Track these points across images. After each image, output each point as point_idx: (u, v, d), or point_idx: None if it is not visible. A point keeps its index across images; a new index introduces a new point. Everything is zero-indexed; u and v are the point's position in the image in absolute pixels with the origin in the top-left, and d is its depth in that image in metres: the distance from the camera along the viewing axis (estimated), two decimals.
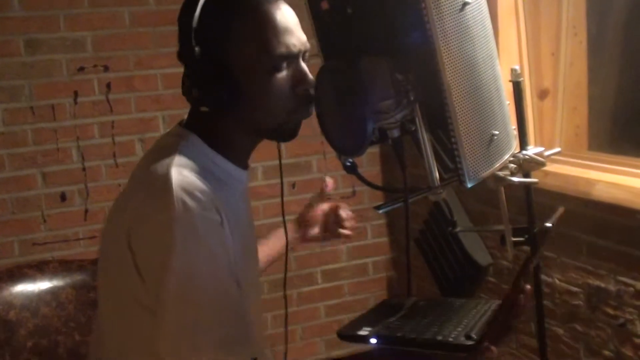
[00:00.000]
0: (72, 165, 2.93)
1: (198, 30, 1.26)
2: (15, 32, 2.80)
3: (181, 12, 1.30)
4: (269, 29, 1.27)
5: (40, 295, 1.89)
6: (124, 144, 2.97)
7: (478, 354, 1.24)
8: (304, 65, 1.32)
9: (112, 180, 2.96)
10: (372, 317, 1.45)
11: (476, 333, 1.26)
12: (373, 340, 1.33)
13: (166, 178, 1.21)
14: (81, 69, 2.89)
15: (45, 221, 2.91)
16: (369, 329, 1.36)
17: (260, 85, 1.28)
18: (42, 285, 1.90)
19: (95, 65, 2.91)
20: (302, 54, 1.32)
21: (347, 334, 1.39)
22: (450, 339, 1.27)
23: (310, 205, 1.74)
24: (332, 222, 1.73)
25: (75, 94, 2.90)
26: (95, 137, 2.95)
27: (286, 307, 1.57)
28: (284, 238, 1.63)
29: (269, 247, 1.70)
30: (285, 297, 1.58)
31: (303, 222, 1.73)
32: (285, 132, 1.34)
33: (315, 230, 1.74)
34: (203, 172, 1.26)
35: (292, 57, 1.29)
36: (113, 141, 2.97)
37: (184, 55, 1.30)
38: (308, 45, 1.33)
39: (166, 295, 1.18)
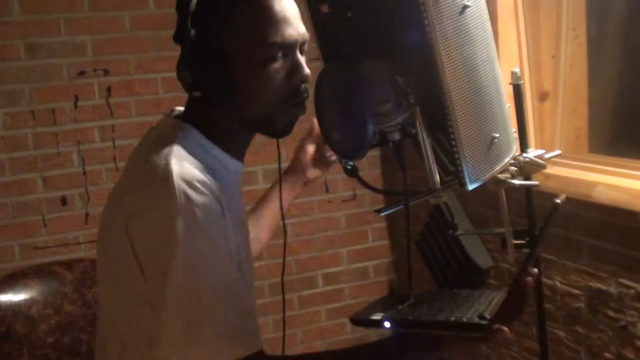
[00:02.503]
0: (73, 169, 2.93)
1: (195, 13, 1.26)
2: (16, 36, 2.80)
3: None
4: (266, 17, 1.25)
5: (67, 293, 1.90)
6: (125, 148, 2.97)
7: (491, 334, 1.24)
8: (300, 56, 1.31)
9: (112, 184, 2.91)
10: (382, 305, 1.44)
11: (489, 314, 1.27)
12: (387, 324, 1.32)
13: (166, 170, 1.20)
14: (81, 72, 2.89)
15: (45, 225, 2.91)
16: (381, 313, 1.36)
17: (254, 74, 1.27)
18: (69, 283, 1.90)
19: (95, 69, 2.91)
20: (300, 45, 1.31)
21: (360, 319, 1.39)
22: (464, 319, 1.27)
23: (301, 148, 1.70)
24: (319, 157, 1.71)
25: (76, 97, 2.90)
26: (95, 141, 2.95)
27: (284, 309, 1.58)
28: (275, 207, 1.63)
29: (266, 219, 1.69)
30: (283, 298, 1.58)
31: (300, 167, 1.70)
32: (278, 127, 1.32)
33: (313, 171, 1.72)
34: (201, 163, 1.25)
35: (288, 47, 1.28)
36: (113, 145, 2.97)
37: (179, 38, 1.29)
38: (307, 36, 1.32)
39: (170, 289, 1.17)
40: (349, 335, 3.44)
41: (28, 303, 1.85)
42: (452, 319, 1.29)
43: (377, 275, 3.49)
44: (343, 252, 3.42)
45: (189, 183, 1.19)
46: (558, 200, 1.39)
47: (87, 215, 2.96)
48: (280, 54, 1.27)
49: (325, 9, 1.36)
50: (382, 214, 1.50)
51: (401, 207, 1.40)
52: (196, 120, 1.33)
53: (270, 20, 1.25)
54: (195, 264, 1.17)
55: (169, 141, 1.27)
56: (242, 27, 1.25)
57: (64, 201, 2.93)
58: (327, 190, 3.34)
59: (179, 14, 1.28)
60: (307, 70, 1.30)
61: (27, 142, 2.86)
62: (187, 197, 1.17)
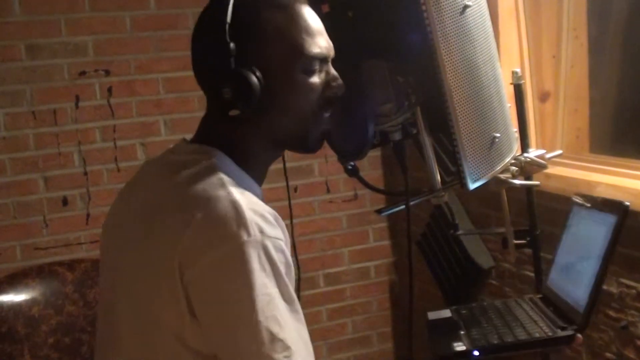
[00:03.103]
0: (74, 170, 2.93)
1: (231, 27, 1.18)
2: (17, 37, 2.80)
3: (209, 9, 1.23)
4: (303, 29, 1.21)
5: (68, 294, 1.89)
6: (126, 148, 2.97)
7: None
8: (333, 68, 1.26)
9: (113, 184, 2.96)
10: (444, 335, 1.41)
11: (563, 323, 1.27)
12: (476, 353, 1.30)
13: (232, 200, 1.11)
14: (82, 73, 2.89)
15: (47, 226, 2.91)
16: (460, 344, 1.33)
17: (293, 86, 1.21)
18: (70, 283, 1.90)
19: (96, 70, 2.91)
20: (330, 58, 1.27)
21: (447, 354, 1.34)
22: (550, 334, 1.28)
23: None
24: None
25: (77, 98, 2.90)
26: (96, 142, 2.95)
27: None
28: None
29: None
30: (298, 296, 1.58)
31: None
32: (310, 140, 1.26)
33: None
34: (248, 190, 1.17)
35: (324, 59, 1.24)
36: (115, 145, 2.97)
37: (211, 54, 1.20)
38: (333, 50, 1.27)
39: (255, 328, 1.07)
40: (351, 335, 3.44)
41: (29, 303, 1.85)
42: (538, 335, 1.29)
43: (378, 276, 3.49)
44: (344, 252, 3.41)
45: (261, 214, 1.11)
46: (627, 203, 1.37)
47: (88, 215, 2.96)
48: (317, 67, 1.23)
49: (325, 8, 1.36)
50: (383, 214, 1.51)
51: (402, 207, 1.40)
52: (220, 144, 1.24)
53: (308, 32, 1.21)
54: (275, 299, 1.10)
55: (209, 167, 1.18)
56: (280, 40, 1.20)
57: (65, 201, 2.93)
58: (328, 191, 3.34)
59: (213, 28, 1.20)
60: (341, 81, 1.25)
61: (28, 143, 2.86)
62: (262, 230, 1.09)
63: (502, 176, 1.38)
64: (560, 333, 1.26)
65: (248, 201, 1.12)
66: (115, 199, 1.37)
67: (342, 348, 3.43)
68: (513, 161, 1.41)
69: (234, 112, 1.18)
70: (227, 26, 1.17)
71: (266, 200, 1.20)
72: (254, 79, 1.17)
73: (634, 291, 2.05)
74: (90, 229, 2.95)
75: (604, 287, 2.16)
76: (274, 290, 1.09)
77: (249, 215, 1.09)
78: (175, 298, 1.10)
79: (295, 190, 3.23)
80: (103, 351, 1.32)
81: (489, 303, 1.58)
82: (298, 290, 1.27)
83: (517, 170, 1.45)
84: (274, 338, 1.07)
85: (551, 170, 2.06)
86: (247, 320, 1.07)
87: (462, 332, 1.39)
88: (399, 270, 3.51)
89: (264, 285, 1.08)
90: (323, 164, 3.27)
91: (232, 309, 1.09)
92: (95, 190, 2.96)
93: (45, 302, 1.87)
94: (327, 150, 1.39)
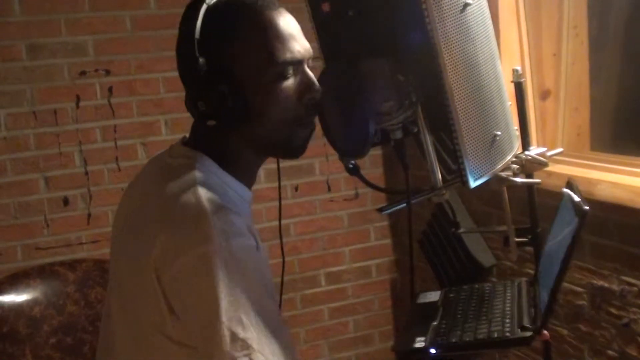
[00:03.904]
0: (75, 170, 2.93)
1: (201, 40, 1.22)
2: (17, 36, 2.80)
3: (181, 24, 1.27)
4: (273, 36, 1.23)
5: (69, 294, 1.89)
6: (126, 148, 2.97)
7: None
8: (309, 72, 1.28)
9: (114, 184, 2.96)
10: (416, 325, 1.43)
11: (528, 322, 1.27)
12: (432, 351, 1.32)
13: (199, 207, 1.16)
14: (83, 73, 2.89)
15: (48, 226, 2.91)
16: (422, 339, 1.35)
17: (267, 94, 1.23)
18: (72, 283, 1.90)
19: (96, 70, 2.91)
20: (307, 60, 1.28)
21: (405, 350, 1.37)
22: (507, 334, 1.28)
23: None
24: None
25: (77, 98, 2.90)
26: (97, 141, 2.95)
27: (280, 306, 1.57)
28: None
29: None
30: (280, 299, 1.58)
31: None
32: (293, 146, 1.29)
33: None
34: (224, 195, 1.22)
35: (297, 63, 1.25)
36: (115, 145, 2.97)
37: (187, 67, 1.26)
38: (311, 52, 1.29)
39: (220, 332, 1.12)
40: (352, 334, 3.44)
41: (30, 303, 1.85)
42: (496, 335, 1.29)
43: (380, 274, 3.49)
44: (345, 251, 3.41)
45: (226, 220, 1.15)
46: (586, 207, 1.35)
47: (89, 215, 2.96)
48: (290, 71, 1.24)
49: (326, 7, 1.36)
50: (384, 212, 1.51)
51: (403, 205, 1.40)
52: (207, 149, 1.28)
53: (278, 38, 1.23)
54: (240, 301, 1.13)
55: (189, 173, 1.23)
56: (251, 48, 1.23)
57: (66, 201, 2.93)
58: (329, 189, 3.34)
59: (184, 43, 1.25)
60: (318, 85, 1.27)
61: (29, 143, 2.86)
62: (226, 236, 1.14)
63: (503, 174, 1.38)
64: (519, 334, 1.26)
65: (214, 206, 1.16)
66: (120, 200, 1.43)
67: (343, 347, 3.43)
68: (514, 159, 1.41)
69: (211, 123, 1.23)
70: (195, 41, 1.22)
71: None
72: (225, 92, 1.21)
73: (635, 288, 2.05)
74: (91, 229, 2.95)
75: (605, 284, 2.16)
76: (238, 292, 1.13)
77: (214, 222, 1.14)
78: (156, 297, 1.17)
79: (296, 189, 3.23)
80: (102, 351, 1.40)
81: (480, 286, 1.59)
82: (281, 289, 1.30)
83: (518, 168, 1.45)
84: (236, 338, 1.12)
85: (552, 168, 2.06)
86: (212, 321, 1.12)
87: (433, 324, 1.41)
88: (400, 269, 3.51)
89: (228, 287, 1.12)
90: (324, 162, 3.27)
91: (200, 310, 1.14)
92: (96, 190, 2.96)
93: (47, 302, 1.87)
94: (328, 149, 1.39)
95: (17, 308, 1.85)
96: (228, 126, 1.24)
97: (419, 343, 1.34)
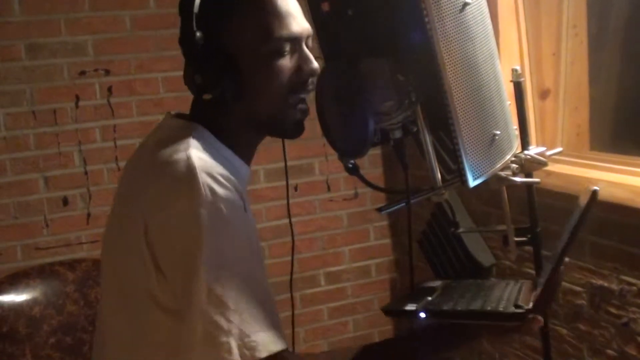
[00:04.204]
0: (74, 170, 2.93)
1: (199, 15, 1.24)
2: (16, 36, 2.80)
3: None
4: (270, 12, 1.24)
5: (69, 293, 1.89)
6: (126, 148, 2.97)
7: (526, 323, 1.24)
8: (307, 50, 1.29)
9: (114, 184, 2.96)
10: (412, 297, 1.42)
11: (523, 303, 1.27)
12: (422, 315, 1.31)
13: (189, 163, 1.17)
14: (82, 73, 2.89)
15: (47, 226, 2.91)
16: (414, 304, 1.34)
17: (263, 70, 1.25)
18: (71, 283, 1.90)
19: (96, 69, 2.91)
20: (305, 39, 1.29)
21: (393, 309, 1.38)
22: (501, 309, 1.27)
23: None
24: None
25: (77, 98, 2.90)
26: (97, 141, 2.95)
27: (293, 309, 1.57)
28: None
29: None
30: (291, 297, 1.58)
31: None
32: (287, 125, 1.30)
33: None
34: (218, 163, 1.22)
35: (294, 41, 1.27)
36: (115, 145, 2.97)
37: (185, 42, 1.27)
38: (311, 31, 1.31)
39: (199, 284, 1.13)
40: (352, 334, 3.44)
41: (30, 303, 1.85)
42: (489, 308, 1.29)
43: (379, 274, 3.49)
44: (345, 250, 3.41)
45: (213, 176, 1.16)
46: (596, 188, 1.36)
47: (88, 215, 2.96)
48: (287, 49, 1.26)
49: (325, 7, 1.36)
50: (384, 212, 1.50)
51: (403, 205, 1.40)
52: (204, 121, 1.30)
53: (275, 14, 1.25)
54: (222, 258, 1.14)
55: (183, 138, 1.23)
56: (248, 24, 1.25)
57: (65, 201, 2.93)
58: (328, 189, 3.34)
59: (183, 17, 1.27)
60: (315, 63, 1.29)
61: (29, 143, 2.86)
62: (212, 191, 1.15)
63: (503, 174, 1.38)
64: (511, 310, 1.26)
65: (204, 164, 1.17)
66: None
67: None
68: (513, 159, 1.41)
69: (207, 96, 1.25)
70: (194, 16, 1.24)
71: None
72: (221, 66, 1.23)
73: (634, 288, 2.06)
74: (91, 229, 2.95)
75: (605, 284, 2.16)
76: (221, 246, 1.14)
77: (201, 176, 1.15)
78: (143, 256, 1.18)
79: (296, 189, 3.23)
80: (97, 344, 1.40)
81: (483, 281, 1.58)
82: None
83: (517, 168, 1.45)
84: (212, 294, 1.13)
85: (551, 167, 2.06)
86: (191, 274, 1.13)
87: (428, 298, 1.40)
88: (400, 269, 3.51)
89: (211, 244, 1.13)
90: (323, 162, 3.27)
91: (181, 263, 1.15)
92: (96, 190, 2.96)
93: (47, 302, 1.87)
94: (327, 148, 1.39)
95: (16, 308, 1.85)
96: (224, 101, 1.26)
97: (410, 306, 1.34)
